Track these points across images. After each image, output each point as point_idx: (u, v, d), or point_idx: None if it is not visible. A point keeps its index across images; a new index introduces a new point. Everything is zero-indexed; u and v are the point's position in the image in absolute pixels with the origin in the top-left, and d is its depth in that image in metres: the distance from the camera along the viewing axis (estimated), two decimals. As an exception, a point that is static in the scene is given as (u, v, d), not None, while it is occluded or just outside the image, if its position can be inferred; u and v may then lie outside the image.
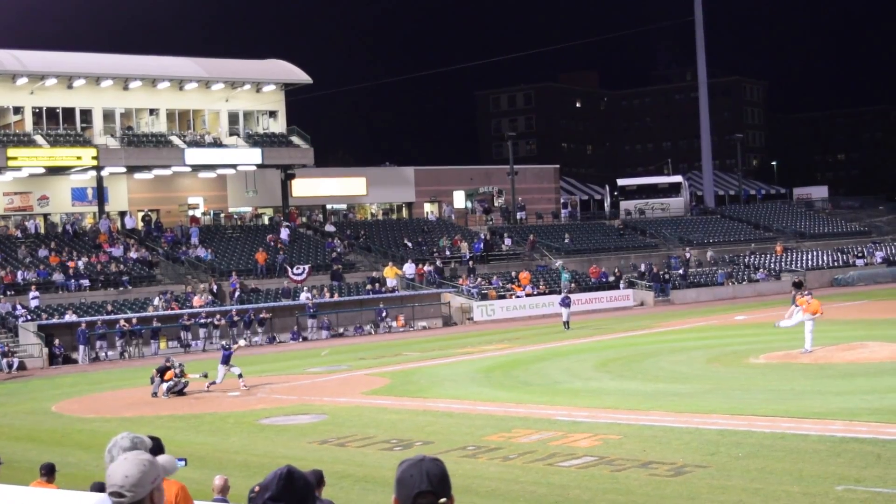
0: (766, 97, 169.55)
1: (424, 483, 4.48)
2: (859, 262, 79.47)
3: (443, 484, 4.52)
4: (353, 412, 28.13)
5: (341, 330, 57.64)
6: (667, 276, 70.29)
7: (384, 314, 58.75)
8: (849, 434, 20.75)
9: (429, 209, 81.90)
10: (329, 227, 71.98)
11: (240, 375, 33.77)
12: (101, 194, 65.81)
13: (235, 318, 54.56)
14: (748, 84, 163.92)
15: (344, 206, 79.36)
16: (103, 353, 51.00)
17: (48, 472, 13.83)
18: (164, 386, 33.51)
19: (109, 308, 53.73)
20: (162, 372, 34.17)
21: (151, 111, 69.37)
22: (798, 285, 59.24)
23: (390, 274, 62.68)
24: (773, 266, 75.30)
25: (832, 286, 72.02)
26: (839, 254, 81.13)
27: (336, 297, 59.55)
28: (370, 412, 28.00)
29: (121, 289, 57.06)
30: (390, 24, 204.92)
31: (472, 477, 18.90)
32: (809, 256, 79.43)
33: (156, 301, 55.14)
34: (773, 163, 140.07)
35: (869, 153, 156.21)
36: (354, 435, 24.12)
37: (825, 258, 79.61)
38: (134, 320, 52.13)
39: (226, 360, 33.63)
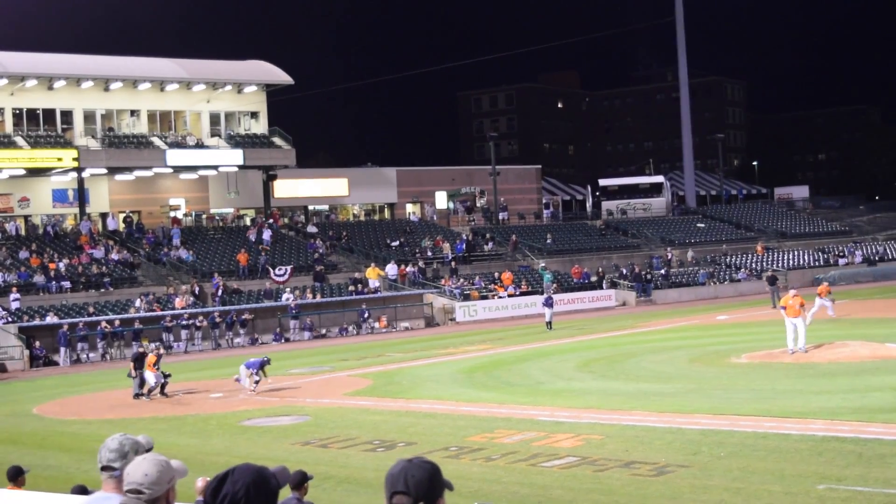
0: (746, 97, 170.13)
1: (400, 484, 4.50)
2: (840, 261, 79.83)
3: (421, 488, 4.50)
4: (336, 413, 28.09)
5: (324, 331, 57.59)
6: (649, 277, 70.46)
7: (367, 315, 58.72)
8: (830, 433, 20.82)
9: (411, 210, 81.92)
10: (311, 228, 71.91)
11: (238, 380, 33.30)
12: (81, 196, 65.58)
13: (217, 320, 54.48)
14: (729, 84, 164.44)
15: (326, 207, 79.31)
16: (84, 355, 50.86)
17: (14, 477, 13.40)
18: (150, 378, 33.18)
19: (91, 310, 53.56)
20: (138, 359, 33.90)
21: (132, 112, 69.20)
22: (772, 280, 59.92)
23: (373, 275, 62.65)
24: (754, 266, 75.56)
25: (813, 286, 72.18)
26: (820, 253, 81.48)
27: (318, 298, 59.51)
28: (353, 413, 27.97)
29: (102, 290, 56.89)
30: (372, 25, 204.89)
31: (455, 477, 18.72)
32: (790, 256, 79.72)
33: (137, 303, 55.00)
34: (754, 163, 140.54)
35: (849, 153, 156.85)
36: (337, 436, 24.09)
37: (806, 258, 79.93)
38: (116, 322, 51.96)
39: (260, 366, 33.04)
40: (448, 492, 4.66)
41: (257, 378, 32.76)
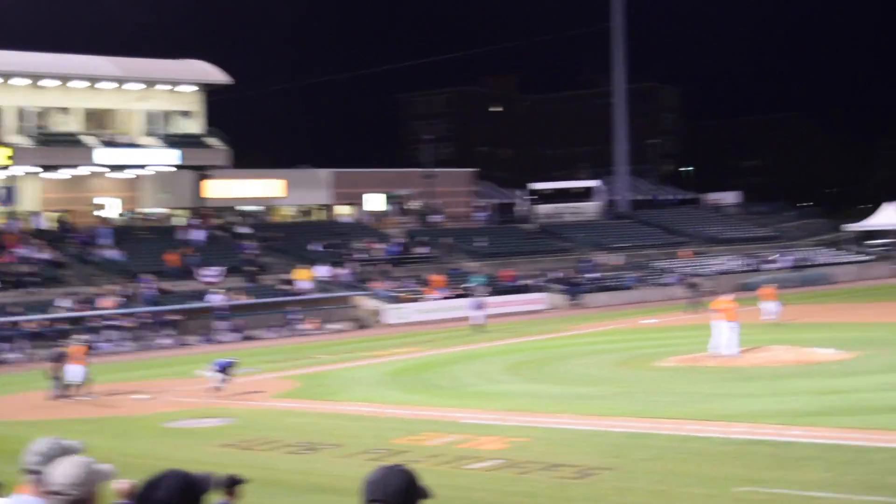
0: (681, 103, 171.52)
1: (378, 492, 4.57)
2: (768, 266, 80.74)
3: (399, 496, 4.56)
4: (261, 415, 27.93)
5: (253, 332, 57.14)
6: (579, 280, 70.83)
7: (297, 317, 58.39)
8: (751, 436, 21.10)
9: (345, 211, 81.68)
10: (243, 229, 71.42)
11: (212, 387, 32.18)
12: (11, 195, 64.69)
13: (146, 321, 53.90)
14: (664, 90, 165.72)
15: (262, 208, 78.85)
16: (8, 356, 50.01)
17: None
18: (76, 373, 32.66)
19: (16, 309, 52.72)
20: (58, 359, 33.37)
21: (66, 110, 68.36)
22: (692, 286, 60.87)
23: (304, 276, 62.36)
24: (684, 271, 76.14)
25: (741, 290, 72.94)
26: (749, 258, 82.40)
27: (249, 300, 59.11)
28: (278, 415, 27.83)
29: (28, 290, 56.04)
30: (311, 26, 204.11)
31: (378, 480, 18.85)
32: (719, 261, 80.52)
33: (64, 302, 54.25)
34: (688, 168, 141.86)
35: (780, 160, 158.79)
36: (262, 438, 23.95)
37: (735, 263, 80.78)
38: (41, 322, 51.20)
39: (222, 368, 32.35)
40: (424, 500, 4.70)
41: (225, 378, 32.05)
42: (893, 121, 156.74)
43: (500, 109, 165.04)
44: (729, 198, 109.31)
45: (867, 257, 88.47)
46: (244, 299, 58.82)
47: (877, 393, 26.08)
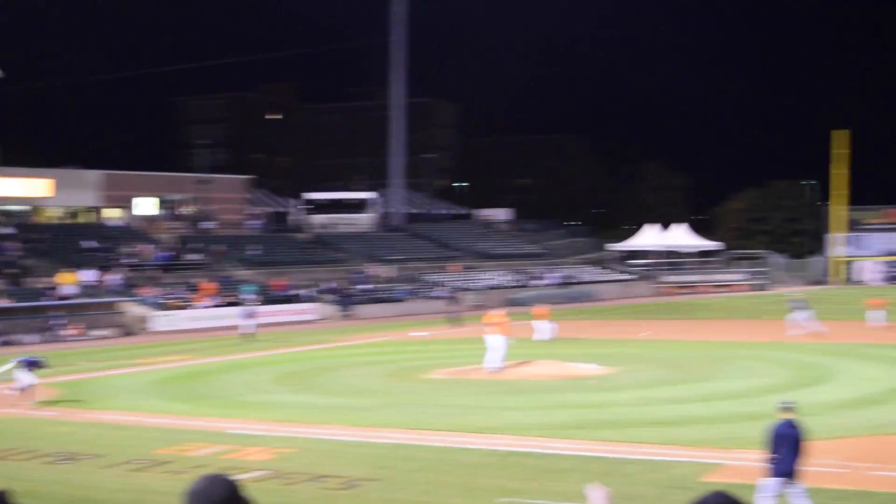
0: (457, 120, 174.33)
1: (201, 502, 4.48)
2: (535, 282, 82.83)
3: None
4: (17, 424, 26.87)
5: (12, 337, 54.99)
6: (351, 291, 71.01)
7: (60, 322, 56.49)
8: (515, 448, 21.59)
9: (114, 215, 79.49)
10: (6, 230, 68.62)
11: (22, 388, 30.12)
12: None
13: None
14: (440, 106, 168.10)
15: (27, 208, 75.85)
16: None
17: None
18: None
19: None
20: None
21: None
22: (453, 300, 62.39)
23: (68, 280, 60.42)
24: (455, 285, 77.31)
25: (508, 306, 74.57)
26: (517, 274, 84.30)
27: (8, 303, 56.87)
28: (36, 424, 26.81)
29: None
30: (87, 22, 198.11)
31: (141, 491, 18.52)
32: (489, 276, 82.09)
33: None
34: (461, 184, 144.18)
35: (550, 179, 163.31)
36: (17, 448, 23.05)
37: (504, 278, 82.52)
38: None
39: (31, 366, 30.40)
40: None
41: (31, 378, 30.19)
42: (657, 145, 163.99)
43: (278, 117, 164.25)
44: (500, 214, 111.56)
45: (629, 276, 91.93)
46: (4, 302, 56.58)
47: (633, 407, 27.13)
